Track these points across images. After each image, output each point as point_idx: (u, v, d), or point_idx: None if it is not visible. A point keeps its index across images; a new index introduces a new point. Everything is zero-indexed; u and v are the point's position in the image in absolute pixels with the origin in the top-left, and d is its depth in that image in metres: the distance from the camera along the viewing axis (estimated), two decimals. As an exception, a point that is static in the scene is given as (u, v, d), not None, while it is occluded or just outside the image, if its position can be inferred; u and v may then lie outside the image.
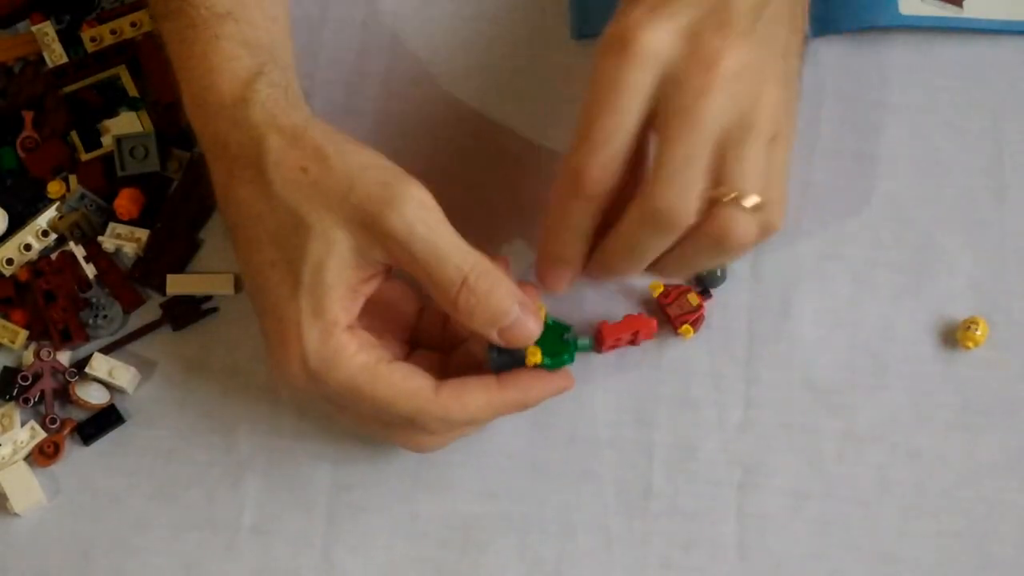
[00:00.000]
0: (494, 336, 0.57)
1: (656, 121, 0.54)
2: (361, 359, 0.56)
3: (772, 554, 0.63)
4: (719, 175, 0.54)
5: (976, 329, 0.64)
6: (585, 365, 0.65)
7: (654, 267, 0.58)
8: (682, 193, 0.54)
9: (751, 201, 0.54)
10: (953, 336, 0.65)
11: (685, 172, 0.53)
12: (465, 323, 0.57)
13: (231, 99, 0.58)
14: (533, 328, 0.58)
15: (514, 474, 0.64)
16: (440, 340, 0.63)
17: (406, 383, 0.57)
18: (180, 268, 0.68)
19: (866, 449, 0.64)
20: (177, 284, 0.67)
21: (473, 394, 0.58)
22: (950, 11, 0.69)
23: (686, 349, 0.66)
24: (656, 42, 0.53)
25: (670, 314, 0.65)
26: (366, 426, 0.61)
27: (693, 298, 0.64)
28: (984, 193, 0.68)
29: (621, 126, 0.54)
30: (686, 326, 0.64)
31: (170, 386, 0.66)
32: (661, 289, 0.65)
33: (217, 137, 0.59)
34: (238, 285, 0.67)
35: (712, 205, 0.54)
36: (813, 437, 0.64)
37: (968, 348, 0.65)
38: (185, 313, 0.67)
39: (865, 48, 0.70)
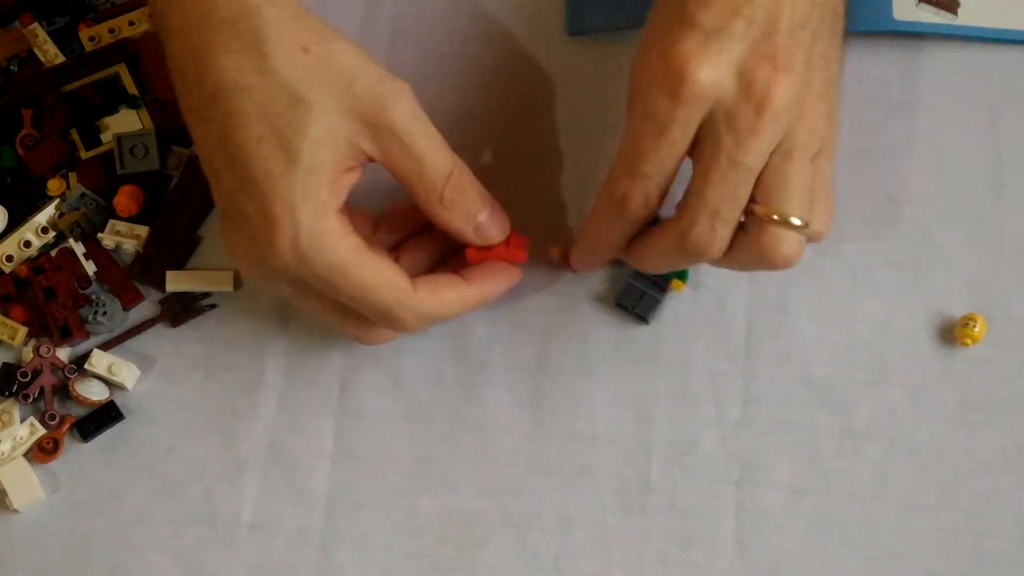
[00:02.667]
0: (470, 233, 0.60)
1: (697, 152, 0.56)
2: (352, 242, 0.57)
3: (770, 550, 0.63)
4: (764, 194, 0.55)
5: (974, 326, 0.64)
6: (585, 363, 0.66)
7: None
8: (719, 229, 0.56)
9: (797, 221, 0.55)
10: (951, 333, 0.65)
11: (723, 209, 0.55)
12: (446, 220, 0.59)
13: None
14: (504, 226, 0.61)
15: (512, 470, 0.64)
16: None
17: (389, 271, 0.58)
18: (179, 265, 0.68)
19: (864, 445, 0.64)
20: (176, 281, 0.67)
21: (446, 291, 0.60)
22: (945, 18, 0.69)
23: (685, 346, 0.66)
24: (710, 82, 0.54)
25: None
26: (326, 314, 0.61)
27: None
28: (982, 190, 0.68)
29: (670, 160, 0.56)
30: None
31: (169, 383, 0.66)
32: None
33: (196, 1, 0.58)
34: (237, 282, 0.67)
35: (759, 221, 0.55)
36: (811, 434, 0.64)
37: (966, 345, 0.65)
38: (184, 310, 0.67)
39: (863, 46, 0.70)
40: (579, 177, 0.69)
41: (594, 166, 0.68)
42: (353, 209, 0.60)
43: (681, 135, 0.55)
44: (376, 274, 0.58)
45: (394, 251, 0.64)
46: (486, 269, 0.62)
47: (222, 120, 0.57)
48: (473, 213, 0.60)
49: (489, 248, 0.62)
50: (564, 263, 0.66)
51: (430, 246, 0.64)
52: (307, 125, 0.56)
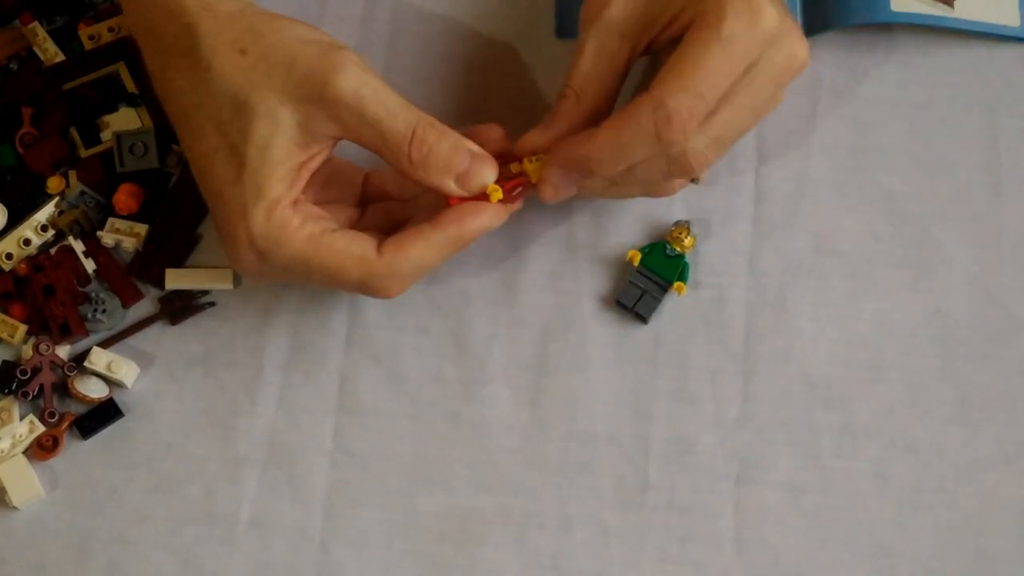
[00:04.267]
0: (452, 187, 0.59)
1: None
2: (306, 231, 0.58)
3: (769, 548, 0.63)
4: None
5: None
6: (584, 362, 0.66)
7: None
8: (698, 103, 0.56)
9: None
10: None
11: (708, 94, 0.57)
12: (422, 179, 0.58)
13: None
14: (488, 169, 0.59)
15: (511, 468, 0.64)
16: (389, 197, 0.65)
17: (350, 249, 0.58)
18: (179, 263, 0.68)
19: (863, 443, 0.64)
20: (176, 278, 0.67)
21: (413, 244, 0.59)
22: (941, 10, 0.69)
23: (684, 344, 0.66)
24: (775, 18, 0.57)
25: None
26: (327, 288, 0.63)
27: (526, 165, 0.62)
28: (980, 188, 0.68)
29: (725, 85, 0.57)
30: (493, 186, 0.60)
31: (169, 380, 0.66)
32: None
33: (152, 28, 0.60)
34: (237, 280, 0.68)
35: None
36: (810, 431, 0.65)
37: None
38: (183, 308, 0.67)
39: (862, 45, 0.70)
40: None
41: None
42: (341, 166, 0.61)
43: (741, 63, 0.56)
44: (336, 255, 0.58)
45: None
46: (457, 210, 0.60)
47: (186, 136, 0.60)
48: (448, 167, 0.58)
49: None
50: (516, 187, 0.62)
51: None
52: (250, 128, 0.57)
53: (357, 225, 0.64)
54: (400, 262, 0.59)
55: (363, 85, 0.57)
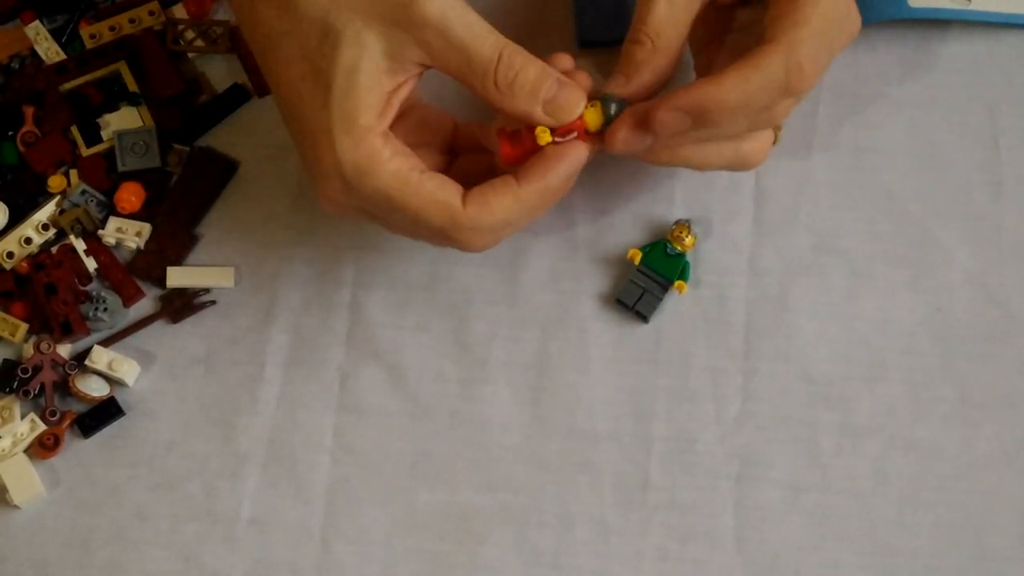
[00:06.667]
0: (540, 114, 0.57)
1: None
2: (395, 165, 0.57)
3: (769, 546, 0.63)
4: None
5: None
6: (584, 360, 0.66)
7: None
8: (828, 55, 0.57)
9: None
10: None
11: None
12: (508, 105, 0.57)
13: None
14: (578, 96, 0.57)
15: (512, 466, 0.64)
16: (479, 148, 0.63)
17: (436, 194, 0.57)
18: (180, 261, 0.68)
19: (863, 442, 0.64)
20: (177, 277, 0.67)
21: (498, 197, 0.57)
22: (958, 3, 0.69)
23: (684, 343, 0.66)
24: None
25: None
26: (412, 233, 0.61)
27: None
28: (981, 187, 0.68)
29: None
30: (542, 128, 0.58)
31: (169, 379, 0.66)
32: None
33: None
34: (238, 278, 0.68)
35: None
36: (811, 430, 0.65)
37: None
38: (184, 306, 0.67)
39: (862, 43, 0.70)
40: (593, 175, 0.68)
41: (603, 166, 0.68)
42: (432, 112, 0.60)
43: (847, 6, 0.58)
44: (421, 198, 0.57)
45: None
46: (539, 160, 0.58)
47: (274, 66, 0.58)
48: (535, 91, 0.57)
49: (522, 145, 0.58)
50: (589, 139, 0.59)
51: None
52: (337, 54, 0.56)
53: (446, 173, 0.61)
54: (484, 216, 0.57)
55: (449, 7, 0.55)
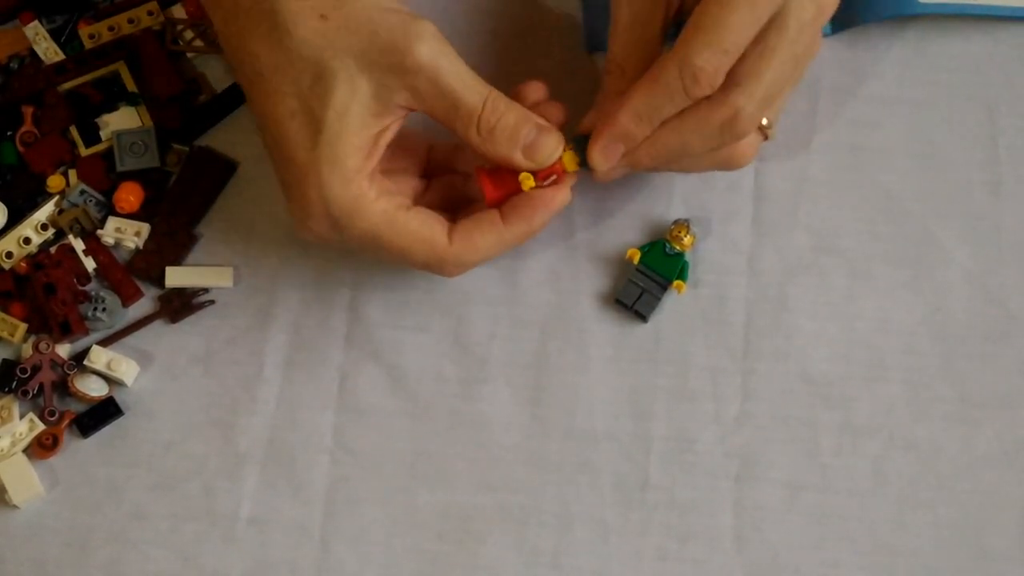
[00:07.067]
0: (520, 158, 0.60)
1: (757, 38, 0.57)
2: (381, 206, 0.59)
3: (769, 546, 0.63)
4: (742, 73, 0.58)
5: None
6: (584, 360, 0.66)
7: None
8: (765, 112, 0.58)
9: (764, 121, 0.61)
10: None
11: (775, 93, 0.58)
12: (489, 151, 0.59)
13: None
14: (555, 142, 0.60)
15: (512, 466, 0.64)
16: (453, 169, 0.66)
17: (421, 232, 0.60)
18: (179, 261, 0.68)
19: (863, 441, 0.64)
20: (176, 277, 0.67)
21: (483, 236, 0.60)
22: None
23: (684, 342, 0.66)
24: None
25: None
26: (392, 264, 0.63)
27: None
28: (980, 186, 0.68)
29: (747, 39, 0.57)
30: (526, 173, 0.61)
31: (168, 378, 0.66)
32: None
33: None
34: (237, 278, 0.68)
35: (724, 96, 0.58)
36: (810, 429, 0.65)
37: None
38: (182, 306, 0.67)
39: (861, 42, 0.70)
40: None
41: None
42: (408, 135, 0.61)
43: (766, 13, 0.56)
44: (408, 236, 0.59)
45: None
46: (526, 204, 0.61)
47: (262, 100, 0.59)
48: (515, 137, 0.59)
49: (504, 186, 0.61)
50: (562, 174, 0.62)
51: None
52: (330, 94, 0.57)
53: (422, 198, 0.64)
54: (469, 254, 0.60)
55: (441, 56, 0.57)
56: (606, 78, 0.62)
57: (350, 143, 0.57)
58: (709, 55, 0.56)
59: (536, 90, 0.63)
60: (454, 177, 0.65)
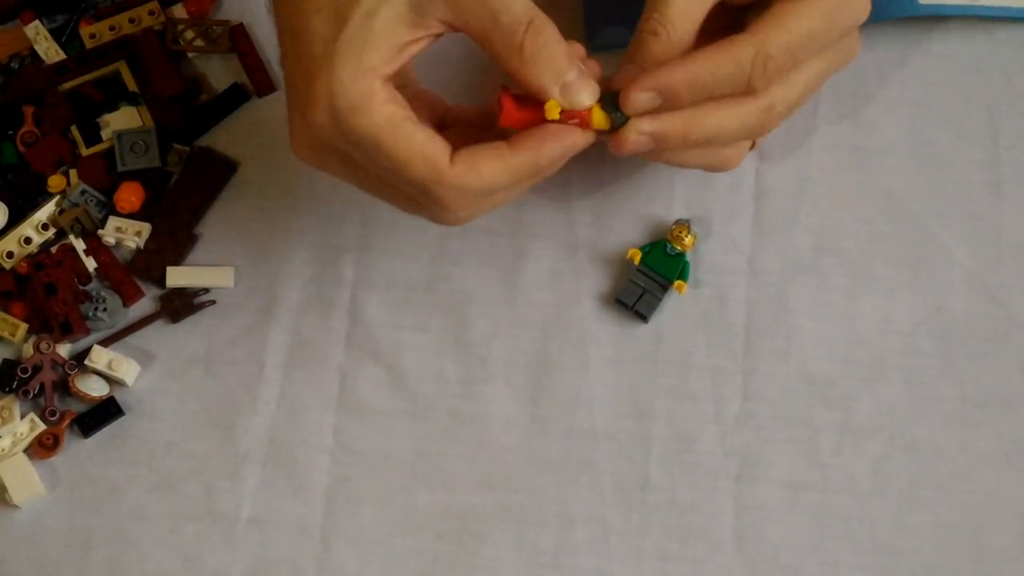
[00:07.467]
0: (555, 93, 0.56)
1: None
2: (388, 109, 0.55)
3: (769, 546, 0.63)
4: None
5: None
6: (584, 360, 0.66)
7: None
8: (796, 55, 0.57)
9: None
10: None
11: (809, 42, 0.57)
12: (528, 74, 0.55)
13: None
14: (593, 89, 0.56)
15: (512, 466, 0.64)
16: (469, 128, 0.62)
17: (424, 146, 0.55)
18: (180, 261, 0.68)
19: (863, 442, 0.64)
20: (177, 277, 0.68)
21: (487, 160, 0.56)
22: None
23: (684, 342, 0.66)
24: None
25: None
26: (385, 192, 0.59)
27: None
28: (980, 187, 0.68)
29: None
30: (552, 101, 0.56)
31: (169, 378, 0.67)
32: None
33: None
34: (237, 278, 0.68)
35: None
36: (810, 429, 0.65)
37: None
38: (183, 306, 0.67)
39: (862, 43, 0.70)
40: (593, 175, 0.69)
41: (602, 167, 0.68)
42: (423, 94, 0.59)
43: (840, 32, 0.58)
44: (410, 147, 0.55)
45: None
46: (537, 133, 0.56)
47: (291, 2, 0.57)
48: (560, 70, 0.55)
49: (528, 111, 0.57)
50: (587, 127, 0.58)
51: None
52: None
53: None
54: (470, 177, 0.55)
55: None
56: (648, 39, 0.58)
57: (371, 42, 0.54)
58: (784, 48, 0.55)
59: (578, 48, 0.58)
60: (469, 130, 0.61)
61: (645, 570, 0.63)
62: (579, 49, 0.58)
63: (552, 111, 0.56)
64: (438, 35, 0.56)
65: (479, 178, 0.55)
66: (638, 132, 0.57)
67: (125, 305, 0.68)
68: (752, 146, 0.62)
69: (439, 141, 0.56)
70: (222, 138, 0.70)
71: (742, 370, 0.66)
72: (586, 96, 0.56)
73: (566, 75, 0.56)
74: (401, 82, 0.58)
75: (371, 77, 0.55)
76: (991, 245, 0.67)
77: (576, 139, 0.57)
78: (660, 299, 0.66)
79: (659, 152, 0.59)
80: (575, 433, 0.65)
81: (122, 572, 0.64)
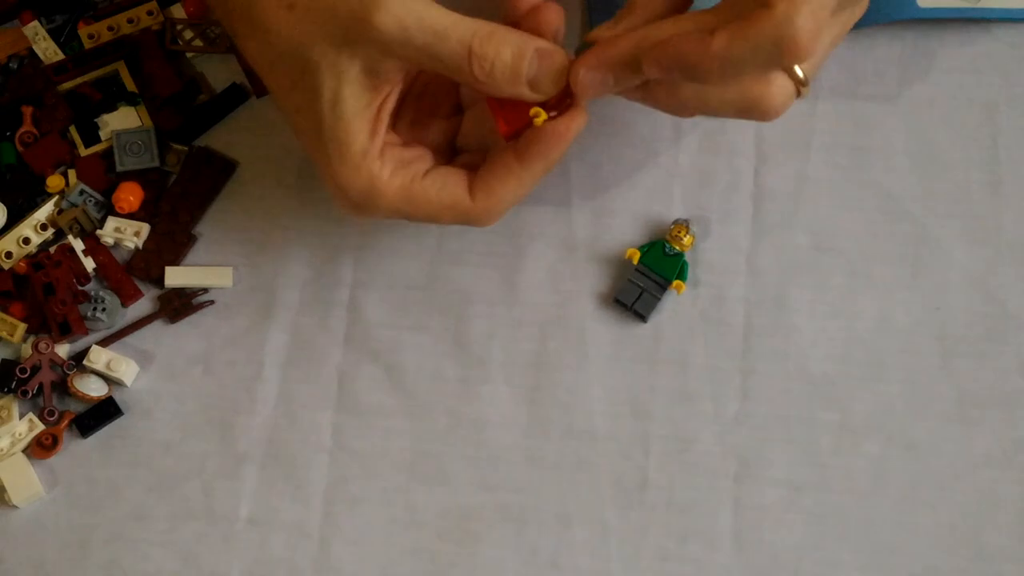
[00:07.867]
0: (527, 93, 0.56)
1: None
2: (397, 183, 0.58)
3: (768, 546, 0.63)
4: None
5: None
6: (583, 360, 0.66)
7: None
8: (821, 20, 0.51)
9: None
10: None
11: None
12: (495, 92, 0.56)
13: None
14: (559, 66, 0.56)
15: (511, 466, 0.64)
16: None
17: (442, 198, 0.59)
18: (178, 261, 0.68)
19: (862, 441, 0.64)
20: (176, 277, 0.67)
21: (502, 183, 0.59)
22: (968, 2, 0.69)
23: (683, 342, 0.66)
24: None
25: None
26: (433, 222, 0.62)
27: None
28: (979, 187, 0.68)
29: None
30: (536, 108, 0.57)
31: (168, 378, 0.66)
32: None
33: None
34: (236, 278, 0.68)
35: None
36: (809, 429, 0.65)
37: None
38: (182, 306, 0.67)
39: (860, 42, 0.70)
40: (593, 174, 0.69)
41: (602, 166, 0.68)
42: (424, 95, 0.61)
43: None
44: (430, 205, 0.59)
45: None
46: (539, 140, 0.57)
47: (275, 93, 0.60)
48: (517, 74, 0.55)
49: (519, 119, 0.57)
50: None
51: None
52: (318, 86, 0.56)
53: (458, 137, 0.63)
54: (493, 204, 0.59)
55: (406, 15, 0.54)
56: None
57: (349, 129, 0.56)
58: (811, 15, 0.50)
59: (552, 16, 0.57)
60: (486, 105, 0.60)
61: (644, 570, 0.63)
62: (552, 15, 0.57)
63: (538, 119, 0.57)
64: (404, 78, 0.58)
65: (500, 202, 0.59)
66: (587, 68, 0.56)
67: (124, 305, 0.68)
68: (799, 93, 0.56)
69: (453, 183, 0.59)
70: (221, 138, 0.70)
71: (741, 370, 0.66)
72: (554, 78, 0.56)
73: (527, 74, 0.56)
74: (409, 82, 0.59)
75: (367, 163, 0.57)
76: (990, 245, 0.67)
77: (575, 127, 0.58)
78: (659, 299, 0.66)
79: (660, 94, 0.57)
80: (574, 433, 0.65)
81: (121, 572, 0.63)
